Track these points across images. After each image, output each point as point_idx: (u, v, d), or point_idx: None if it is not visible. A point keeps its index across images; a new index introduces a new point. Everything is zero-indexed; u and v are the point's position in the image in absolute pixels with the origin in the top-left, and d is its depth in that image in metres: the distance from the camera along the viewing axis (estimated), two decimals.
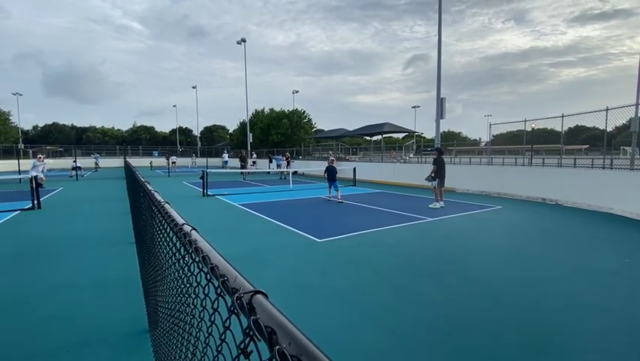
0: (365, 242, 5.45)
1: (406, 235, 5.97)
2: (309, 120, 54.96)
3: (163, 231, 1.37)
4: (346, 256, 4.70)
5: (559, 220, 6.84)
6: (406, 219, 7.29)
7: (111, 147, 49.54)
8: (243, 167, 17.42)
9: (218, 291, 0.78)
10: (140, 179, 2.73)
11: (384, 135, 27.71)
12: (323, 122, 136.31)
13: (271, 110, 50.72)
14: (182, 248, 1.03)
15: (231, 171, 22.07)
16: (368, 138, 39.01)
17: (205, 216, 7.82)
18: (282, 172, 22.13)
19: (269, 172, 21.57)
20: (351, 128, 34.45)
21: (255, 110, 52.83)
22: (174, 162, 31.07)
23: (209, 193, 11.39)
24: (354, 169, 15.55)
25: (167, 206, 1.43)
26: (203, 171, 11.45)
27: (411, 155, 24.21)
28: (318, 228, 6.51)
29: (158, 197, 1.70)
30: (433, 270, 4.23)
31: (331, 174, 9.81)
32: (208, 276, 0.84)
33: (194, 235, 1.03)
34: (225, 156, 32.31)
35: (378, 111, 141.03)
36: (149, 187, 2.01)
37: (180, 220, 1.17)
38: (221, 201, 10.09)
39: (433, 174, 8.85)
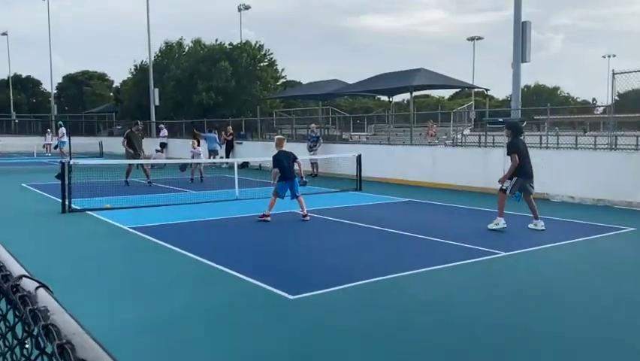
0: (379, 299, 5.53)
1: (458, 286, 6.09)
2: (273, 64, 54.92)
3: None
4: (343, 328, 4.70)
5: None
6: (457, 254, 7.45)
7: None
8: (130, 155, 17.12)
9: None
10: None
11: (415, 94, 28.11)
12: (299, 69, 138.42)
13: (197, 43, 50.63)
14: (20, 325, 0.95)
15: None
16: (385, 98, 39.65)
17: (66, 252, 7.72)
18: (214, 163, 22.92)
19: (188, 166, 21.55)
20: (352, 80, 34.73)
21: (166, 45, 52.51)
22: (48, 145, 33.15)
23: (74, 207, 11.40)
24: (358, 158, 15.75)
25: None
26: (62, 165, 11.34)
27: (466, 130, 24.69)
28: (288, 272, 6.59)
29: None
30: (517, 358, 4.24)
31: (284, 169, 10.19)
32: None
33: (43, 297, 0.94)
34: (163, 133, 30.65)
35: (402, 46, 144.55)
36: None
37: (17, 269, 1.08)
38: (98, 222, 10.15)
39: (509, 176, 9.03)
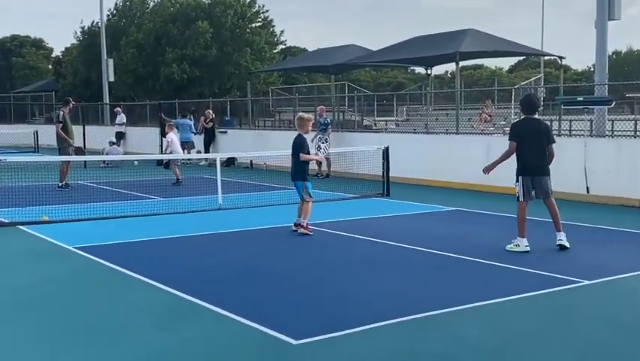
0: (415, 345, 5.52)
1: (524, 327, 6.05)
2: (268, 24, 54.97)
3: None
4: None
5: None
6: (523, 283, 7.43)
7: None
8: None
9: None
10: None
11: (462, 64, 27.95)
12: (303, 31, 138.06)
13: None
14: None
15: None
16: (421, 70, 39.53)
17: None
18: (188, 159, 22.90)
19: (163, 164, 21.59)
20: (375, 46, 34.69)
21: (124, 0, 52.61)
22: None
23: (0, 220, 11.58)
24: (385, 152, 15.75)
25: None
26: None
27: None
28: (290, 307, 6.58)
29: None
30: None
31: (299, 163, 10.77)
32: None
33: None
34: (120, 119, 30.56)
35: (444, 2, 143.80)
36: None
37: None
38: (32, 240, 10.22)
39: (493, 167, 9.57)
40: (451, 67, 33.32)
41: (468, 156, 16.81)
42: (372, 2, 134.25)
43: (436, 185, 17.20)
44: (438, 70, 40.85)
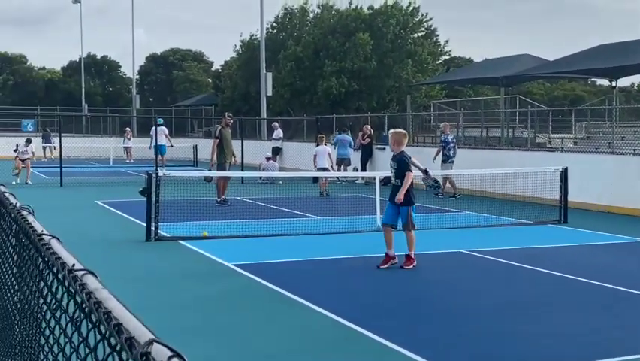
0: None
1: None
2: (431, 34, 54.75)
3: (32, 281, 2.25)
4: None
5: None
6: None
7: None
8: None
9: None
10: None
11: None
12: (470, 41, 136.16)
13: (326, 8, 51.96)
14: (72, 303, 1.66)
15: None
16: (604, 82, 37.38)
17: (153, 299, 8.21)
18: (344, 177, 23.55)
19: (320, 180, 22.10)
20: (551, 56, 33.33)
21: (285, 12, 54.74)
22: (129, 148, 38.05)
23: (162, 234, 12.13)
24: (564, 174, 15.02)
25: (54, 243, 2.04)
26: (149, 176, 12.16)
27: None
28: (465, 344, 6.41)
29: (38, 227, 2.34)
30: None
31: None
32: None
33: (92, 282, 1.60)
34: (277, 134, 32.37)
35: (623, 4, 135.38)
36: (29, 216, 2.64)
37: (71, 261, 1.77)
38: (192, 256, 10.72)
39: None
40: (638, 79, 31.22)
41: None
42: (544, 8, 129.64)
43: (621, 212, 16.13)
44: (623, 82, 38.48)
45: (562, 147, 24.86)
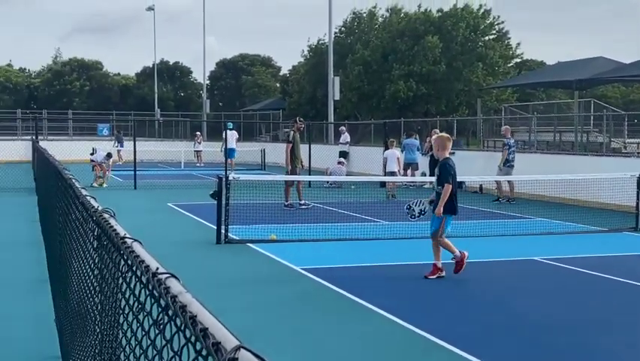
0: None
1: None
2: (503, 37, 53.61)
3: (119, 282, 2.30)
4: None
5: None
6: None
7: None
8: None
9: None
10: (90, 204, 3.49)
11: None
12: (542, 43, 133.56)
13: (394, 11, 51.79)
14: (156, 307, 1.70)
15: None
16: None
17: (225, 302, 8.28)
18: (412, 182, 23.53)
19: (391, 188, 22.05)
20: (628, 59, 32.30)
21: (353, 16, 54.91)
22: (199, 152, 39.33)
23: (231, 237, 12.35)
24: None
25: (137, 246, 2.14)
26: (219, 179, 12.39)
27: None
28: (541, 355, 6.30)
29: (120, 230, 2.47)
30: None
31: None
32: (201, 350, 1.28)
33: (175, 285, 1.62)
34: (345, 138, 32.76)
35: None
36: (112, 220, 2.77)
37: (155, 265, 1.88)
38: (261, 259, 10.90)
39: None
40: None
41: None
42: (616, 10, 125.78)
43: None
44: None
45: (638, 153, 24.10)
